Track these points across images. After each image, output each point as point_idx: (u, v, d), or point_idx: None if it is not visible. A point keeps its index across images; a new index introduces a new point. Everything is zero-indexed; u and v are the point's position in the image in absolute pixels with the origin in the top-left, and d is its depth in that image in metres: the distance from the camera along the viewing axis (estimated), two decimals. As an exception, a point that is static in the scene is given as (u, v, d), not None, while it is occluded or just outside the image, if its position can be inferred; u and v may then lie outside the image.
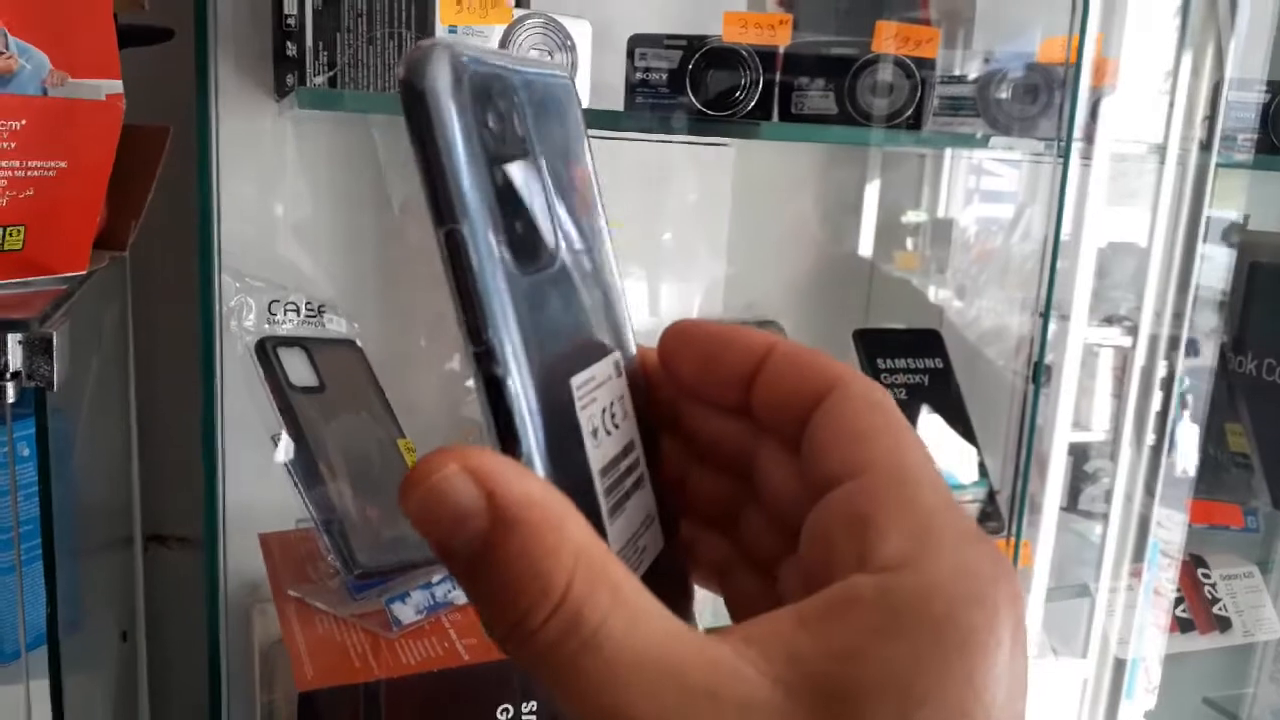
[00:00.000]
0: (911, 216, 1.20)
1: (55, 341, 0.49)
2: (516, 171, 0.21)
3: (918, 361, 1.03)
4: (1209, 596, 1.17)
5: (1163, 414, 1.05)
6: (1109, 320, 1.05)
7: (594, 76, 0.85)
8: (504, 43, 0.80)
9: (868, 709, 0.17)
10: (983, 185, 1.17)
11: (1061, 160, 0.89)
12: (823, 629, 0.18)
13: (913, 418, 1.00)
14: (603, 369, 0.24)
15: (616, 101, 0.90)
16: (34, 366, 0.49)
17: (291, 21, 0.82)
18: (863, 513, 0.20)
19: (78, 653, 0.66)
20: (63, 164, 0.58)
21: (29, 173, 0.57)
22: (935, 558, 0.19)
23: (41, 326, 0.49)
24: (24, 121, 0.56)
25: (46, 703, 0.58)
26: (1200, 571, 1.18)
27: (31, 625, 0.61)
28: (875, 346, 1.03)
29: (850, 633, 0.18)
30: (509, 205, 0.21)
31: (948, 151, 1.14)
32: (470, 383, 0.20)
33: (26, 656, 0.61)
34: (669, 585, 0.25)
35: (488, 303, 0.19)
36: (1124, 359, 1.05)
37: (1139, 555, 1.09)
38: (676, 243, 1.01)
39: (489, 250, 0.19)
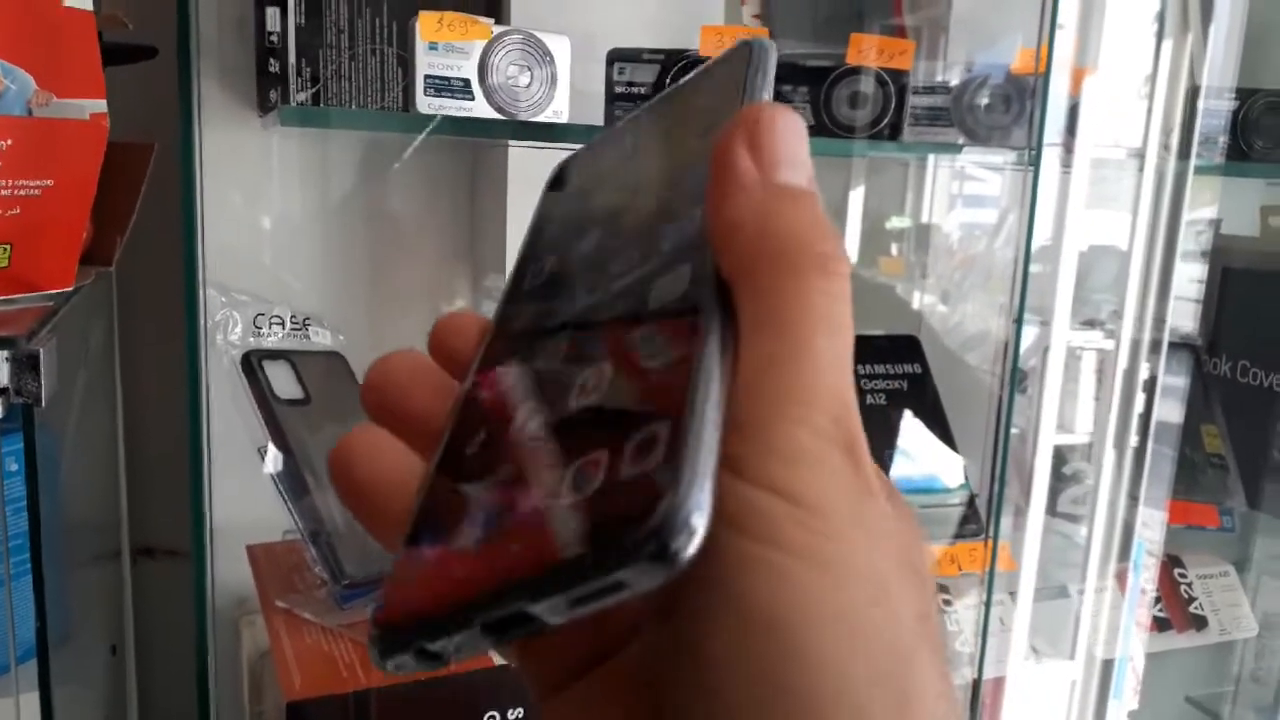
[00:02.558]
0: (896, 222, 1.21)
1: (42, 358, 0.50)
2: None
3: (896, 367, 1.05)
4: (1185, 596, 1.18)
5: (1145, 416, 1.06)
6: (1090, 323, 1.07)
7: (576, 88, 0.86)
8: (484, 59, 0.81)
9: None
10: (966, 191, 1.18)
11: (1032, 168, 0.91)
12: None
13: (892, 423, 1.01)
14: None
15: (598, 112, 0.91)
16: (21, 383, 0.49)
17: (274, 38, 0.83)
18: None
19: (67, 666, 0.66)
20: (48, 182, 0.59)
21: (15, 192, 0.58)
22: None
23: (28, 344, 0.50)
24: (9, 142, 0.56)
25: (36, 716, 0.59)
26: (1177, 571, 1.19)
27: (21, 639, 0.62)
28: (854, 353, 1.04)
29: None
30: None
31: (931, 158, 1.15)
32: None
33: (16, 670, 0.61)
34: None
35: None
36: (1105, 362, 1.06)
37: (1124, 556, 1.10)
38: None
39: None
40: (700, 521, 0.16)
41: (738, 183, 0.19)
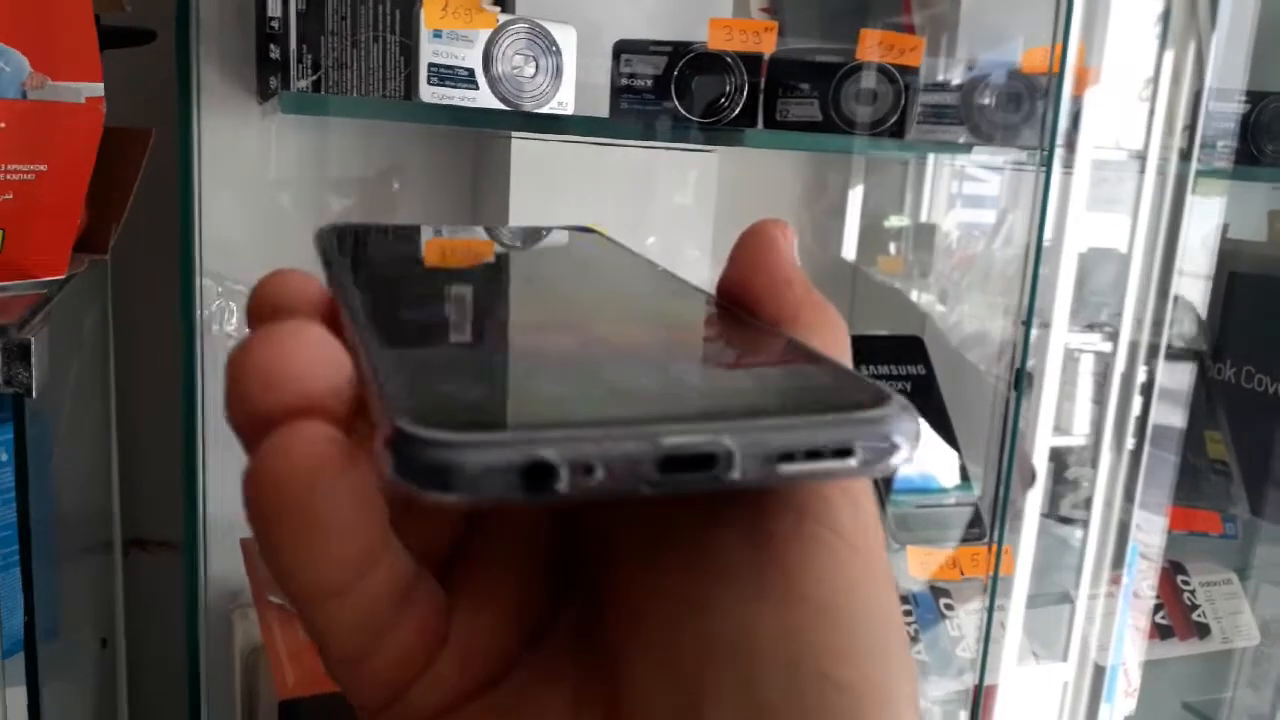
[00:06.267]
0: (895, 221, 1.20)
1: (33, 347, 0.49)
2: None
3: (900, 368, 1.04)
4: (1188, 603, 1.18)
5: (1142, 419, 1.06)
6: (1090, 326, 1.06)
7: (580, 79, 0.85)
8: (489, 48, 0.80)
9: None
10: (966, 190, 1.18)
11: (1044, 169, 0.90)
12: None
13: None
14: None
15: (602, 104, 0.90)
16: (12, 373, 0.48)
17: (275, 24, 0.82)
18: None
19: (56, 659, 0.65)
20: (42, 167, 0.58)
21: (8, 176, 0.56)
22: None
23: (20, 332, 0.49)
24: (2, 125, 0.55)
25: (24, 710, 0.58)
26: (1180, 578, 1.19)
27: (9, 632, 0.61)
28: (858, 353, 1.02)
29: None
30: None
31: (931, 157, 1.14)
32: None
33: (3, 664, 0.60)
34: None
35: None
36: (1105, 364, 1.06)
37: (1119, 560, 1.10)
38: (661, 247, 1.01)
39: None
40: (913, 444, 0.17)
41: (785, 257, 0.24)
